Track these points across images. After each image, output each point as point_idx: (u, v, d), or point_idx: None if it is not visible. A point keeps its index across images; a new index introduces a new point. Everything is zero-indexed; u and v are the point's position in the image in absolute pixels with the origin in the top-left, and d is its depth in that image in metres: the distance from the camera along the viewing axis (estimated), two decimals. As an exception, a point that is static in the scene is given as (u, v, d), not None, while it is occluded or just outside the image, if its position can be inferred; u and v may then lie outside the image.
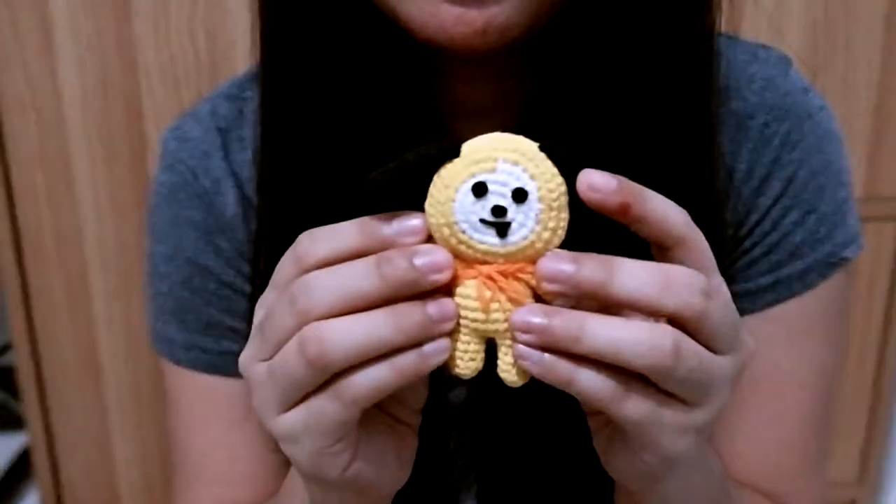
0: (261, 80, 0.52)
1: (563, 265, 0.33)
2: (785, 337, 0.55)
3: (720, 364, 0.35)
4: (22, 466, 1.24)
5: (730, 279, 0.54)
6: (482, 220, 0.33)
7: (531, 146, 0.34)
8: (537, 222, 0.34)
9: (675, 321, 0.34)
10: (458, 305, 0.34)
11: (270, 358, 0.36)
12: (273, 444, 0.56)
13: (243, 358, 0.38)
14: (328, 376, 0.34)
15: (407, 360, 0.34)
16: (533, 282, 0.34)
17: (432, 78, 0.51)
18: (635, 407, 0.34)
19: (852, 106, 1.01)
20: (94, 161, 0.97)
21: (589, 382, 0.34)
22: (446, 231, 0.34)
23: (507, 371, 0.35)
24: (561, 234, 0.34)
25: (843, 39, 0.98)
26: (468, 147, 0.34)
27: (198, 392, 0.61)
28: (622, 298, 0.33)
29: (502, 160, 0.33)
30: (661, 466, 0.37)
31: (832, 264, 0.55)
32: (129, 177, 0.97)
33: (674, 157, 0.49)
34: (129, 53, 0.93)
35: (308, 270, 0.35)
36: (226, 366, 0.59)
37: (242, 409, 0.58)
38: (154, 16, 0.92)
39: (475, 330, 0.35)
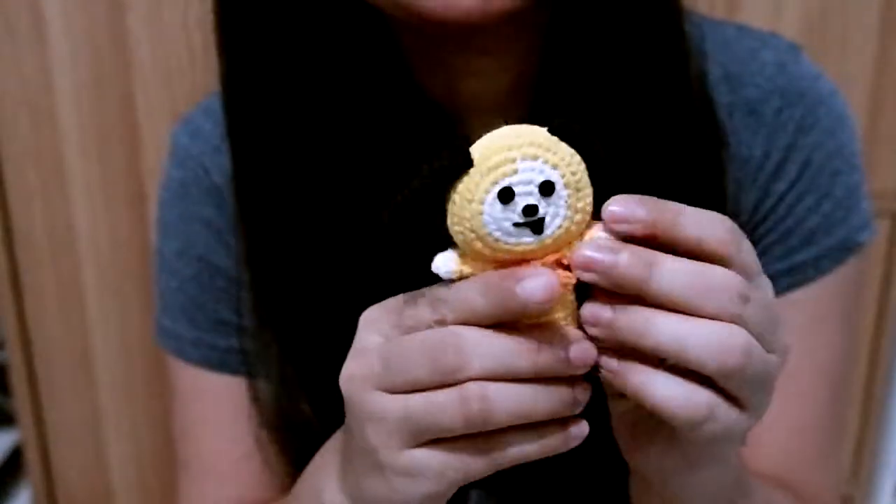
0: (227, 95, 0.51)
1: (602, 255, 0.32)
2: (801, 323, 0.55)
3: (775, 364, 0.34)
4: (14, 464, 1.24)
5: None
6: (515, 224, 0.32)
7: (543, 133, 0.32)
8: (567, 208, 0.32)
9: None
10: None
11: (394, 393, 0.35)
12: (279, 447, 0.55)
13: (348, 375, 0.37)
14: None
15: (553, 442, 0.35)
16: (570, 259, 0.33)
17: (444, 76, 0.51)
18: (714, 424, 0.33)
19: (847, 101, 1.01)
20: (87, 157, 0.96)
21: (668, 392, 0.33)
22: (479, 245, 0.33)
23: None
24: (589, 209, 0.33)
25: (838, 34, 0.98)
26: (480, 152, 0.32)
27: (207, 390, 0.60)
28: (660, 297, 0.32)
29: (521, 158, 0.32)
30: (690, 463, 0.37)
31: (847, 249, 0.55)
32: (123, 173, 0.97)
33: (681, 142, 0.49)
34: (123, 49, 0.93)
35: (445, 322, 0.34)
36: (233, 363, 0.59)
37: (247, 408, 0.58)
38: (148, 11, 0.92)
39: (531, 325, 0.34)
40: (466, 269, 0.34)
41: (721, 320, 0.32)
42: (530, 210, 0.32)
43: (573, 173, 0.32)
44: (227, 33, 0.49)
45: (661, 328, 0.32)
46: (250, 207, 0.52)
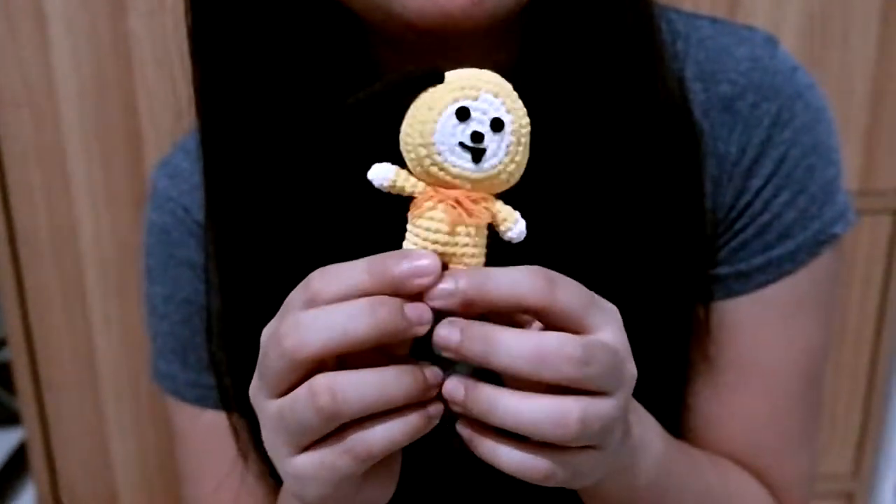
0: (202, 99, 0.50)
1: (452, 334, 0.35)
2: (775, 317, 0.55)
3: (615, 406, 0.37)
4: (18, 463, 1.24)
5: (721, 262, 0.54)
6: (460, 144, 0.35)
7: (509, 85, 0.36)
8: (507, 153, 0.36)
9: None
10: (424, 228, 0.36)
11: (273, 396, 0.37)
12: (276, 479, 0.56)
13: (251, 390, 0.39)
14: (337, 426, 0.35)
15: (414, 421, 0.36)
16: (493, 209, 0.37)
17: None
18: (555, 480, 0.37)
19: (848, 100, 1.01)
20: (90, 157, 0.97)
21: (508, 458, 0.36)
22: (423, 151, 0.36)
23: None
24: (521, 169, 0.37)
25: (840, 33, 0.98)
26: (453, 75, 0.36)
27: (205, 427, 0.61)
28: (504, 370, 0.35)
29: (485, 90, 0.35)
30: (584, 486, 0.40)
31: (821, 242, 0.54)
32: (125, 173, 0.97)
33: (656, 144, 0.49)
34: (125, 49, 0.93)
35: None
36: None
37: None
38: (150, 10, 0.92)
39: (439, 253, 0.36)
40: (399, 183, 0.36)
41: (562, 384, 0.35)
42: (478, 137, 0.35)
43: (521, 126, 0.36)
44: (203, 61, 0.49)
45: (503, 408, 0.35)
46: (223, 232, 0.52)
